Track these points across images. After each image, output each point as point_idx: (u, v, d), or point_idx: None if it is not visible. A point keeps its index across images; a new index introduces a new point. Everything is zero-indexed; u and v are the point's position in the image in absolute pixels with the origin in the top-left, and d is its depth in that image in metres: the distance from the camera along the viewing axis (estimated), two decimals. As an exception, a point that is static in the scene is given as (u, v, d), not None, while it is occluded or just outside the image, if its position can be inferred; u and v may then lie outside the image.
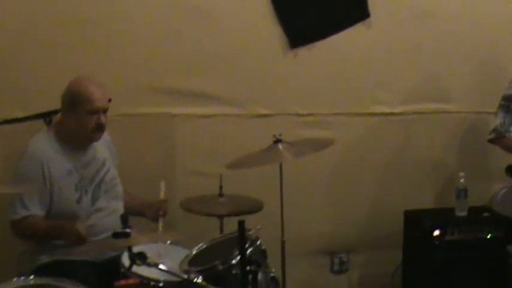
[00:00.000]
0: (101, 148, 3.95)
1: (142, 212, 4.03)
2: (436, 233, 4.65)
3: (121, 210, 3.84)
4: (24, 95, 4.26)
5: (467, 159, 5.18)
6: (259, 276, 3.21)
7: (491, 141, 4.77)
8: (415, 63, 5.02)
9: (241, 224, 2.96)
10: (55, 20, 4.31)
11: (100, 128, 3.76)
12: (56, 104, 3.80)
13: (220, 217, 4.10)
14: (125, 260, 3.14)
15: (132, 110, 4.48)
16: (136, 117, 4.51)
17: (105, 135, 3.96)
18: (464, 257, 4.67)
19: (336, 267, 5.16)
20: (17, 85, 4.28)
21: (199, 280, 3.05)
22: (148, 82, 4.52)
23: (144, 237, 3.36)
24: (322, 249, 5.10)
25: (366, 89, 4.96)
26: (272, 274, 3.42)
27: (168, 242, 3.64)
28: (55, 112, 3.81)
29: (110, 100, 3.82)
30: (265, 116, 4.76)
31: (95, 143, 3.87)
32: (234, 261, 3.21)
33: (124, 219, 3.19)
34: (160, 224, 3.87)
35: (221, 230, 4.10)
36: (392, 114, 5.03)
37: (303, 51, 4.77)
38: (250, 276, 3.12)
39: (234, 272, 3.20)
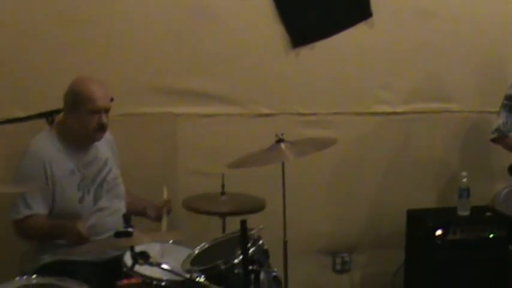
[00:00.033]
0: (103, 148, 3.95)
1: (144, 212, 4.02)
2: (439, 232, 4.65)
3: (123, 210, 3.84)
4: (26, 95, 4.27)
5: (469, 159, 5.18)
6: (262, 275, 3.20)
7: (493, 140, 4.77)
8: (417, 62, 5.02)
9: (243, 223, 2.96)
10: (57, 20, 4.31)
11: (101, 128, 3.76)
12: (57, 103, 3.80)
13: (223, 216, 4.10)
14: (127, 260, 3.14)
15: (134, 109, 4.48)
16: (139, 117, 4.51)
17: (108, 135, 3.96)
18: (466, 256, 4.66)
19: (338, 267, 5.16)
20: (18, 85, 4.28)
21: (202, 279, 3.05)
22: (150, 82, 4.52)
23: (147, 237, 3.35)
24: (324, 249, 5.10)
25: (368, 89, 4.96)
26: (274, 274, 3.41)
27: (171, 242, 3.64)
28: (57, 111, 3.80)
29: (112, 99, 3.82)
30: (267, 115, 4.76)
31: (97, 143, 3.87)
32: (236, 261, 3.21)
33: (126, 219, 3.19)
34: (164, 222, 3.86)
35: (223, 230, 4.10)
36: (395, 113, 5.03)
37: (305, 51, 4.77)
38: (252, 276, 3.12)
39: (236, 271, 3.20)
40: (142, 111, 4.51)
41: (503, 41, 5.11)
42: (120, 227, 3.19)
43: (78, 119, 3.73)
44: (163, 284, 3.19)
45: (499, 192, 5.08)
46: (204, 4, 4.56)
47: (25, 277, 3.31)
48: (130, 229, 3.14)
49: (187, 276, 3.07)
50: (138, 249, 3.02)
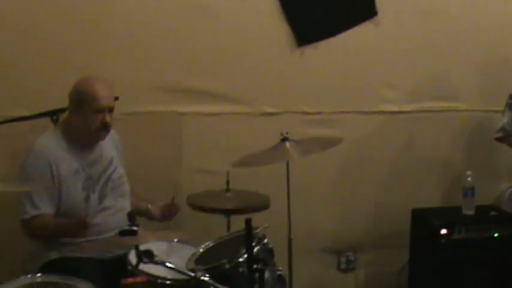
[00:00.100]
0: (108, 146, 3.95)
1: (148, 213, 4.02)
2: (443, 231, 4.64)
3: (128, 208, 3.84)
4: (28, 94, 4.27)
5: (474, 158, 5.17)
6: (266, 274, 3.21)
7: (498, 139, 4.77)
8: (422, 61, 5.01)
9: (248, 222, 2.96)
10: (60, 19, 4.32)
11: (105, 127, 3.77)
12: (60, 103, 3.81)
13: (227, 214, 4.10)
14: (132, 258, 3.13)
15: (139, 108, 4.49)
16: (143, 116, 4.51)
17: (113, 134, 3.96)
18: (471, 255, 4.65)
19: (343, 266, 5.16)
20: (20, 84, 4.28)
21: (206, 278, 3.05)
22: (155, 80, 4.52)
23: (151, 235, 3.36)
24: (329, 248, 5.10)
25: (373, 88, 4.95)
26: (279, 272, 3.42)
27: (175, 240, 3.64)
28: (62, 110, 3.80)
29: (116, 98, 3.82)
30: (272, 114, 4.76)
31: (102, 142, 3.87)
32: (241, 260, 3.22)
33: (131, 217, 3.19)
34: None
35: (228, 228, 4.10)
36: (399, 112, 5.02)
37: (310, 50, 4.77)
38: (257, 275, 3.12)
39: (240, 270, 3.21)
40: (147, 110, 4.52)
41: (508, 40, 5.10)
42: (125, 225, 3.19)
43: (83, 118, 3.73)
44: (168, 282, 3.20)
45: (504, 192, 5.07)
46: (209, 3, 4.56)
47: (30, 276, 3.31)
48: (135, 227, 3.14)
49: (192, 275, 3.07)
50: (143, 247, 3.02)
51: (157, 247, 3.13)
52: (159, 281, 3.19)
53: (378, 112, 4.98)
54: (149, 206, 4.03)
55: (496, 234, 4.71)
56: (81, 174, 3.78)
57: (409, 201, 4.99)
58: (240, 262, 3.22)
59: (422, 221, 4.84)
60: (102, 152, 3.90)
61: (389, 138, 5.05)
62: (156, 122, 4.56)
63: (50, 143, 3.76)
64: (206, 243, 3.54)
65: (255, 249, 3.21)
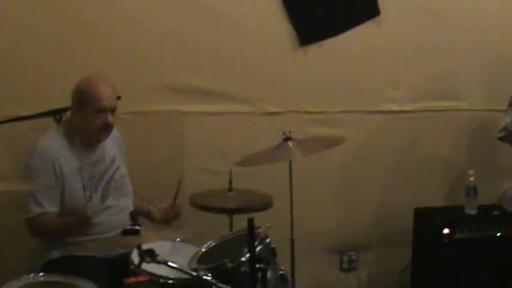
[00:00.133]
0: (111, 146, 3.95)
1: (149, 214, 4.01)
2: (446, 231, 4.64)
3: (130, 208, 3.85)
4: (31, 94, 4.26)
5: (477, 157, 5.17)
6: (269, 274, 3.19)
7: (501, 139, 4.76)
8: (425, 61, 5.00)
9: (250, 221, 2.96)
10: (64, 18, 4.31)
11: (107, 127, 3.77)
12: (62, 102, 3.80)
13: (230, 213, 4.10)
14: (135, 257, 3.13)
15: (142, 107, 4.49)
16: (146, 115, 4.51)
17: (116, 133, 3.97)
18: (473, 255, 4.65)
19: (345, 266, 5.16)
20: (23, 84, 4.28)
21: (209, 277, 3.05)
22: (157, 80, 4.52)
23: (154, 235, 3.36)
24: (331, 248, 5.10)
25: (375, 87, 4.95)
26: (281, 272, 3.42)
27: (178, 240, 3.64)
28: (65, 110, 3.80)
29: (119, 97, 3.83)
30: (274, 113, 4.76)
31: (104, 141, 3.87)
32: (243, 259, 3.21)
33: (133, 216, 3.19)
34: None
35: (230, 228, 4.11)
36: (402, 112, 5.02)
37: (313, 49, 4.77)
38: (259, 274, 3.11)
39: (243, 269, 3.20)
40: (149, 109, 4.52)
41: (511, 40, 5.09)
42: (128, 224, 3.19)
43: (84, 117, 3.74)
44: (170, 282, 3.19)
45: (506, 191, 5.06)
46: (212, 3, 4.56)
47: (32, 275, 3.31)
48: (137, 227, 3.14)
49: (194, 274, 3.07)
50: (145, 247, 3.02)
51: (159, 246, 3.13)
52: (162, 280, 3.19)
53: (381, 112, 4.98)
54: (151, 207, 4.03)
55: (498, 234, 4.71)
56: (84, 173, 3.77)
57: (412, 200, 4.99)
58: (242, 261, 3.21)
59: (425, 220, 4.84)
60: (104, 152, 3.90)
61: (392, 137, 5.04)
62: (158, 121, 4.56)
63: (52, 142, 3.76)
64: (208, 243, 3.54)
65: (258, 249, 3.21)
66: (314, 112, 4.84)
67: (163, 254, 3.05)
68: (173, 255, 3.30)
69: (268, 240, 3.40)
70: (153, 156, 4.54)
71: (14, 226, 3.84)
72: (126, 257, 3.31)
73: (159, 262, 3.01)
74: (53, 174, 3.69)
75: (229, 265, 3.20)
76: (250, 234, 2.98)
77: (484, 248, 4.68)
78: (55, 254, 3.70)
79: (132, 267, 3.20)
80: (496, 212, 4.84)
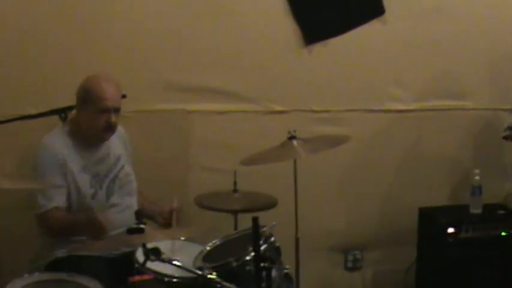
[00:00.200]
0: (116, 144, 3.96)
1: (153, 217, 4.01)
2: (451, 230, 4.63)
3: (135, 206, 3.86)
4: (37, 93, 4.27)
5: (482, 157, 5.15)
6: (273, 272, 3.19)
7: (506, 138, 4.75)
8: (430, 60, 5.00)
9: (255, 220, 2.96)
10: (70, 17, 4.32)
11: (110, 127, 3.77)
12: (68, 101, 3.82)
13: (235, 213, 4.11)
14: (139, 256, 3.14)
15: (148, 106, 4.49)
16: (152, 114, 4.51)
17: (122, 132, 3.98)
18: (478, 254, 4.64)
19: (350, 265, 5.16)
20: (31, 82, 4.29)
21: (213, 276, 3.06)
22: (163, 78, 4.52)
23: (159, 233, 3.37)
24: (336, 246, 5.10)
25: (381, 86, 4.95)
26: (286, 271, 3.42)
27: (183, 238, 3.64)
28: (70, 108, 3.81)
29: (124, 96, 3.83)
30: (279, 112, 4.76)
31: (110, 139, 3.87)
32: (248, 258, 3.21)
33: (138, 215, 3.19)
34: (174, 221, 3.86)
35: (235, 227, 4.11)
36: (407, 111, 5.01)
37: (318, 48, 4.76)
38: (264, 273, 3.11)
39: (247, 268, 3.20)
40: (155, 108, 4.52)
41: (518, 38, 5.11)
42: (132, 223, 3.19)
43: (88, 116, 3.74)
44: (175, 280, 3.19)
45: (512, 190, 5.07)
46: (218, 2, 4.56)
47: (36, 273, 3.33)
48: (142, 225, 3.15)
49: (199, 273, 3.07)
50: (150, 245, 3.02)
51: (164, 245, 3.14)
52: (166, 279, 3.19)
53: (386, 110, 4.97)
54: (155, 208, 4.03)
55: (503, 233, 4.70)
56: (88, 171, 3.79)
57: (417, 199, 4.98)
58: (247, 260, 3.21)
59: (430, 219, 4.84)
60: (109, 150, 3.91)
61: (397, 136, 5.04)
62: (163, 120, 4.56)
63: (57, 141, 3.77)
64: (213, 241, 3.54)
65: (262, 248, 3.20)
66: (319, 111, 4.83)
67: (168, 253, 3.06)
68: (178, 254, 3.30)
69: (272, 239, 3.40)
70: (159, 155, 4.55)
71: (17, 226, 3.85)
72: (131, 255, 3.31)
73: (163, 261, 3.01)
74: (60, 171, 3.70)
75: (234, 264, 3.20)
76: (255, 233, 2.98)
77: (489, 247, 4.67)
78: (60, 253, 3.71)
79: (136, 265, 3.21)
80: (501, 211, 4.83)
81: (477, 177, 4.72)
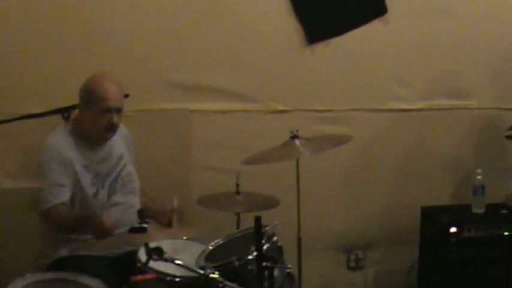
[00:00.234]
0: (119, 143, 3.96)
1: (156, 216, 4.00)
2: (453, 230, 4.63)
3: (137, 206, 3.85)
4: (41, 92, 4.27)
5: (484, 156, 5.15)
6: (276, 272, 3.19)
7: (509, 137, 4.75)
8: (433, 59, 4.99)
9: (257, 219, 2.96)
10: (70, 17, 4.31)
11: (112, 127, 3.77)
12: (72, 100, 3.81)
13: (237, 213, 4.11)
14: (142, 255, 3.13)
15: (149, 105, 4.48)
16: (153, 113, 4.51)
17: (125, 131, 3.99)
18: (481, 254, 4.64)
19: (352, 264, 5.16)
20: (34, 81, 4.29)
21: (216, 275, 3.05)
22: (165, 78, 4.52)
23: (161, 233, 3.36)
24: (338, 246, 5.10)
25: (383, 85, 4.94)
26: (288, 270, 3.42)
27: (185, 238, 3.63)
28: (73, 107, 3.81)
29: (126, 95, 3.83)
30: (282, 111, 4.76)
31: (112, 138, 3.87)
32: (250, 257, 3.21)
33: (141, 214, 3.19)
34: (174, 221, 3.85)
35: (238, 226, 4.11)
36: (410, 110, 5.00)
37: (321, 47, 4.76)
38: (266, 272, 3.11)
39: (250, 267, 3.20)
40: (156, 107, 4.52)
41: (521, 38, 5.10)
42: (135, 222, 3.19)
43: (90, 116, 3.74)
44: (177, 280, 3.20)
45: (514, 190, 5.07)
46: (220, 1, 4.55)
47: (38, 272, 3.32)
48: (145, 225, 3.14)
49: (202, 272, 3.07)
50: (152, 245, 3.02)
51: (166, 244, 3.14)
52: (169, 278, 3.19)
53: (388, 110, 4.96)
54: (158, 207, 4.03)
55: (506, 233, 4.69)
56: (91, 170, 3.79)
57: (419, 199, 4.98)
58: (249, 260, 3.21)
59: (432, 219, 4.84)
60: (111, 149, 3.91)
61: (400, 136, 5.03)
62: (165, 119, 4.56)
63: (60, 140, 3.77)
64: (216, 241, 3.54)
65: (265, 247, 3.21)
66: (321, 110, 4.83)
67: (170, 252, 3.05)
68: (180, 253, 3.29)
69: (275, 238, 3.40)
70: (160, 154, 4.54)
71: (18, 226, 3.84)
72: (133, 254, 3.32)
73: (166, 260, 3.01)
74: (65, 171, 3.70)
75: (236, 263, 3.20)
76: (258, 233, 2.97)
77: (491, 247, 4.66)
78: (62, 252, 3.71)
79: (139, 265, 3.20)
80: (503, 211, 4.83)
81: (480, 177, 4.71)
